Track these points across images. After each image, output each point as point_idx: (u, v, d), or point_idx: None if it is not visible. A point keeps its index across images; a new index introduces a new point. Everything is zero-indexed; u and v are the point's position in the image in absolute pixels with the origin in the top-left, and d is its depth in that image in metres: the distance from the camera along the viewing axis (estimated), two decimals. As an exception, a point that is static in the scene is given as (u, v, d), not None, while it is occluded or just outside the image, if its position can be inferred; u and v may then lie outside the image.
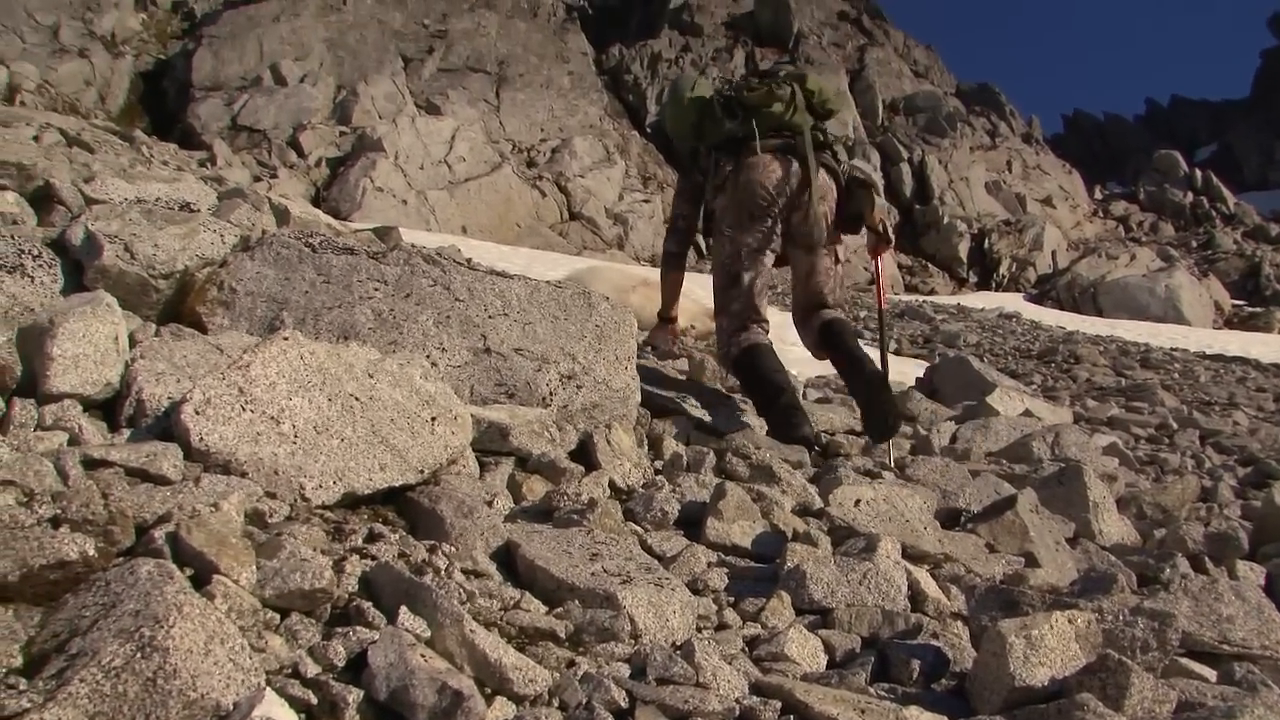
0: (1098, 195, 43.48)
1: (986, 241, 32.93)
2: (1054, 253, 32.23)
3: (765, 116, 4.76)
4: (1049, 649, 1.98)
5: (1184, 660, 2.42)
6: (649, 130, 36.21)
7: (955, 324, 17.09)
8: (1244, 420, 9.04)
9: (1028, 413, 6.52)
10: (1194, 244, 36.47)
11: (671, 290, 5.36)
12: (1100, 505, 3.98)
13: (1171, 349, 16.67)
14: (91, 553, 1.68)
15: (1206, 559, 3.58)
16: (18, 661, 1.47)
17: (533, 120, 31.92)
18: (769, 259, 4.80)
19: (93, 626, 1.46)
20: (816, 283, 4.85)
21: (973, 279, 32.05)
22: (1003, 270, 31.53)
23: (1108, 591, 2.46)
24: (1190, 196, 41.18)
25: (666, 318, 5.39)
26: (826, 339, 4.79)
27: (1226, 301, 28.37)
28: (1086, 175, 43.52)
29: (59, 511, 1.79)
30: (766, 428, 4.49)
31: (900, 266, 31.58)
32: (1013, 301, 26.63)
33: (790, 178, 4.72)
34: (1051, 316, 23.08)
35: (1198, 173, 43.58)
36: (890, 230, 5.08)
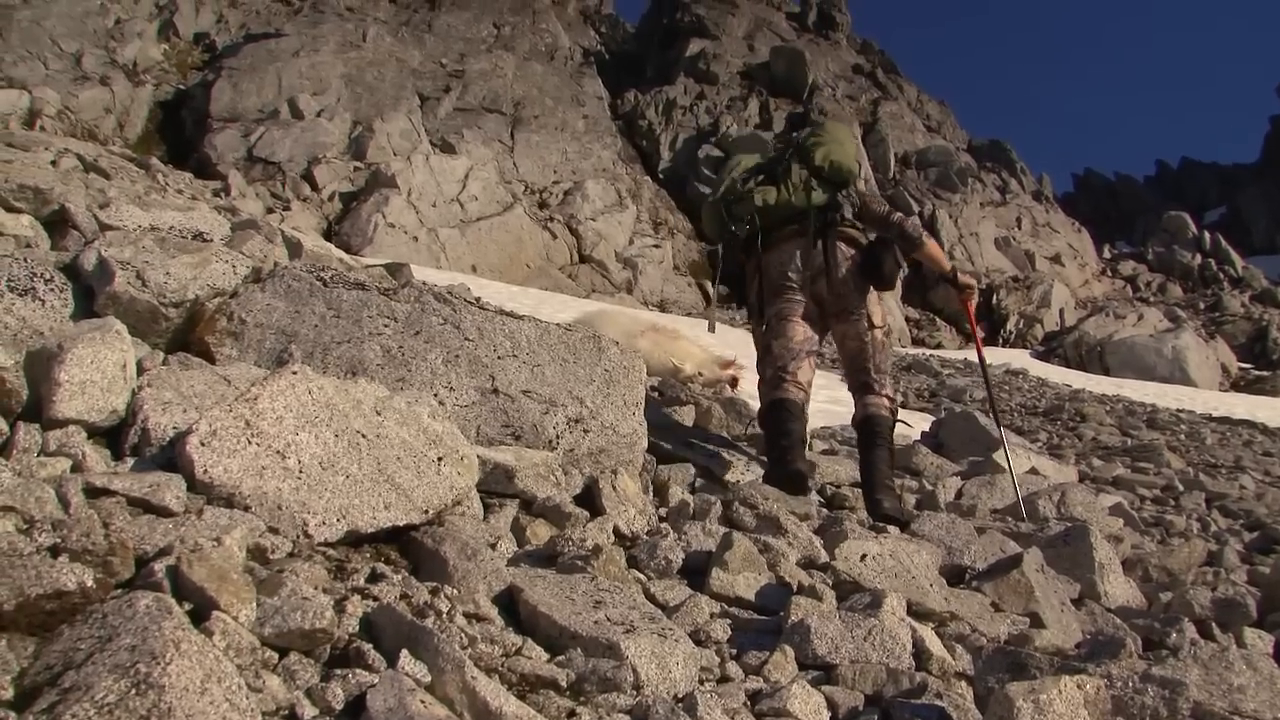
0: (1106, 254, 43.52)
1: (995, 297, 32.94)
2: (1062, 310, 32.21)
3: (771, 211, 4.95)
4: (1058, 714, 1.94)
5: (1193, 730, 2.38)
6: (661, 176, 36.39)
7: (962, 379, 17.05)
8: (1250, 484, 8.98)
9: (1034, 470, 6.49)
10: (1202, 306, 36.46)
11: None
12: (1106, 567, 3.94)
13: (1178, 410, 16.62)
14: (90, 584, 1.66)
15: (1214, 625, 3.54)
16: (8, 694, 1.44)
17: (546, 162, 32.08)
18: (798, 326, 4.86)
19: (87, 660, 1.43)
20: (852, 349, 4.89)
21: (981, 334, 32.08)
22: (1010, 326, 31.51)
23: (1115, 656, 2.43)
24: (1199, 258, 41.23)
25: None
26: (860, 435, 4.80)
27: (1233, 364, 28.32)
28: (1096, 234, 43.56)
29: (59, 540, 1.76)
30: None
31: (907, 320, 31.57)
32: (1020, 358, 26.57)
33: (802, 254, 4.89)
34: (1058, 374, 23.04)
35: (1206, 235, 43.66)
36: (961, 275, 5.22)
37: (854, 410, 4.88)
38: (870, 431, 4.71)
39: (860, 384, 4.86)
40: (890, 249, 4.87)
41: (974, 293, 5.33)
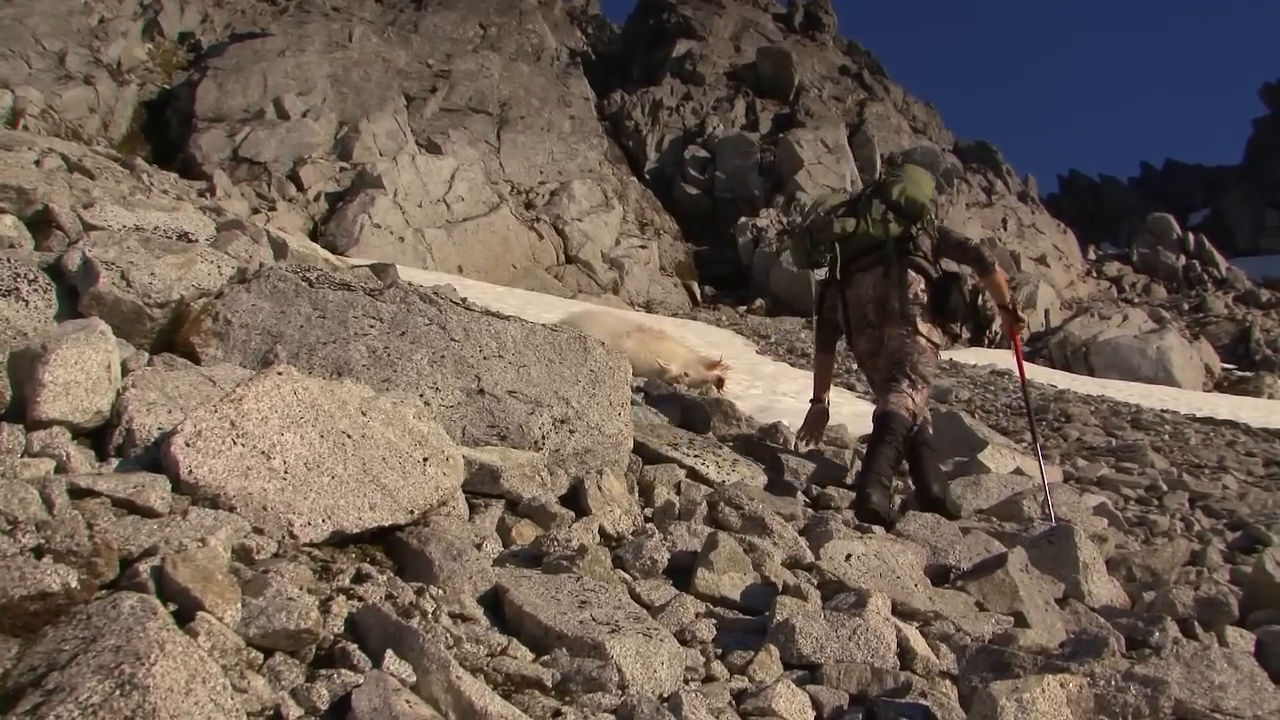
0: (1091, 255, 43.64)
1: (980, 298, 33.05)
2: (1047, 311, 32.28)
3: (851, 240, 5.30)
4: (1041, 713, 1.95)
5: (1175, 728, 2.39)
6: (648, 176, 36.39)
7: (947, 379, 17.07)
8: (1233, 484, 9.02)
9: (1018, 470, 6.51)
10: (1186, 307, 36.59)
11: (816, 373, 5.89)
12: (1090, 566, 3.96)
13: (1162, 410, 16.64)
14: (74, 585, 1.65)
15: (1196, 624, 3.56)
16: (-8, 696, 1.44)
17: (532, 162, 32.08)
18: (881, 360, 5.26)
19: (71, 661, 1.43)
20: (893, 347, 5.17)
21: (965, 335, 32.11)
22: (996, 327, 31.56)
23: (1099, 655, 2.43)
24: (1183, 260, 41.37)
25: (813, 399, 5.77)
26: (873, 429, 4.99)
27: (1217, 365, 28.42)
28: (1081, 235, 43.67)
29: (42, 541, 1.76)
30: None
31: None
32: (1005, 358, 26.59)
33: (877, 284, 5.26)
34: (1043, 375, 23.05)
35: (1190, 236, 43.82)
36: (1019, 309, 5.57)
37: (880, 395, 5.16)
38: (883, 426, 4.90)
39: (889, 378, 5.14)
40: (958, 284, 5.25)
41: (1023, 328, 5.70)
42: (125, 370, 2.77)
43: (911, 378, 5.05)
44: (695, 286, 31.22)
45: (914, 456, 4.98)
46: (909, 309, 5.15)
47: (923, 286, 5.25)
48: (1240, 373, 28.47)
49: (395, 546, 2.49)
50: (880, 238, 5.27)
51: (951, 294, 5.24)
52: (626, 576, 2.83)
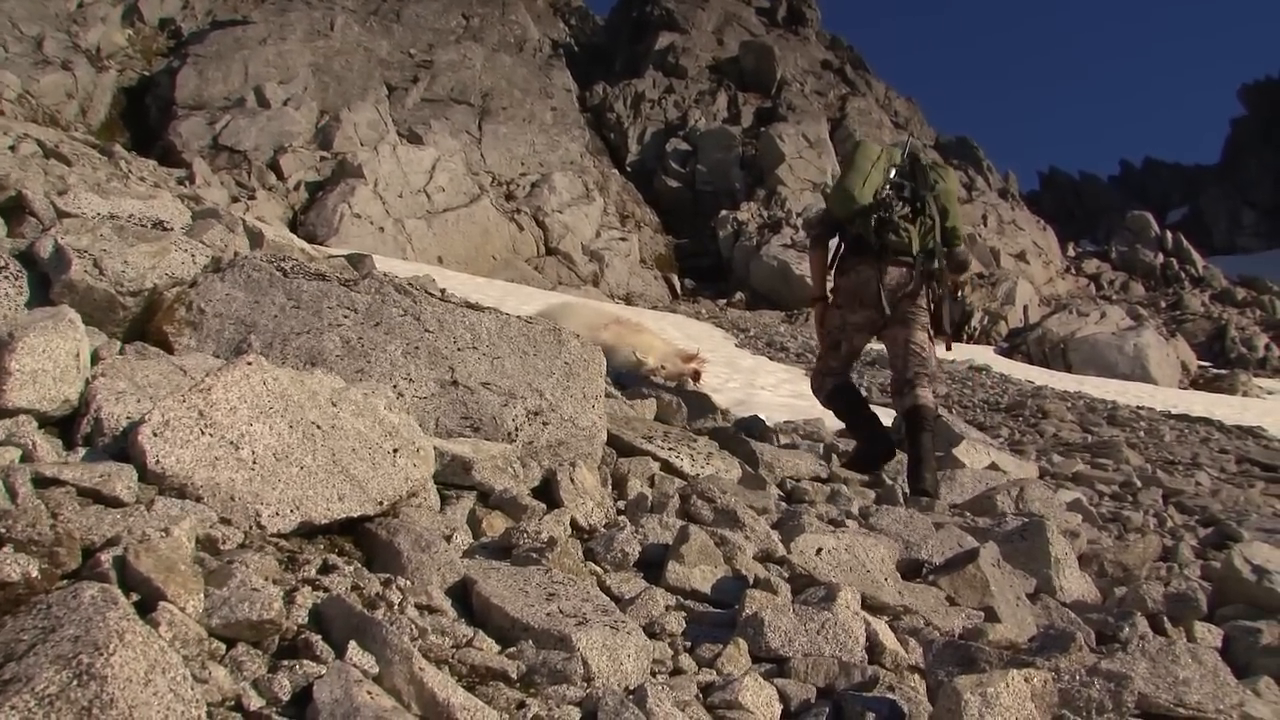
0: (1070, 252, 43.84)
1: (959, 294, 33.13)
2: (1026, 307, 32.38)
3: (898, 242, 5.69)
4: (1004, 707, 1.96)
5: (1139, 722, 2.41)
6: (629, 169, 36.36)
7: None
8: (1206, 481, 9.08)
9: (994, 466, 6.54)
10: (1163, 304, 36.79)
11: (814, 270, 6.29)
12: (1062, 561, 3.98)
13: (1138, 407, 16.72)
14: (34, 574, 1.64)
15: (1165, 619, 3.58)
16: (-51, 685, 1.43)
17: (513, 154, 31.98)
18: (865, 339, 5.94)
19: (29, 651, 1.42)
20: (912, 350, 5.72)
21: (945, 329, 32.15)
22: (974, 323, 31.64)
23: (1065, 650, 2.45)
24: (1161, 257, 41.58)
25: (816, 296, 6.25)
26: (908, 422, 5.55)
27: (1193, 362, 28.58)
28: (1060, 232, 43.87)
29: (3, 530, 1.74)
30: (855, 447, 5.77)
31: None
32: (983, 354, 26.69)
33: (899, 279, 5.68)
34: (1021, 370, 23.14)
35: (1168, 234, 44.06)
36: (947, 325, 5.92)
37: (899, 396, 5.68)
38: (919, 419, 5.51)
39: (908, 379, 5.67)
40: (956, 303, 5.63)
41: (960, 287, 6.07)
42: (96, 359, 2.75)
43: (928, 377, 5.65)
44: (675, 279, 31.23)
45: (915, 444, 5.41)
46: (925, 320, 5.76)
47: (932, 298, 5.80)
48: (1216, 370, 28.67)
49: (364, 537, 2.48)
50: (919, 245, 5.73)
51: (950, 314, 5.83)
52: (597, 569, 2.83)
